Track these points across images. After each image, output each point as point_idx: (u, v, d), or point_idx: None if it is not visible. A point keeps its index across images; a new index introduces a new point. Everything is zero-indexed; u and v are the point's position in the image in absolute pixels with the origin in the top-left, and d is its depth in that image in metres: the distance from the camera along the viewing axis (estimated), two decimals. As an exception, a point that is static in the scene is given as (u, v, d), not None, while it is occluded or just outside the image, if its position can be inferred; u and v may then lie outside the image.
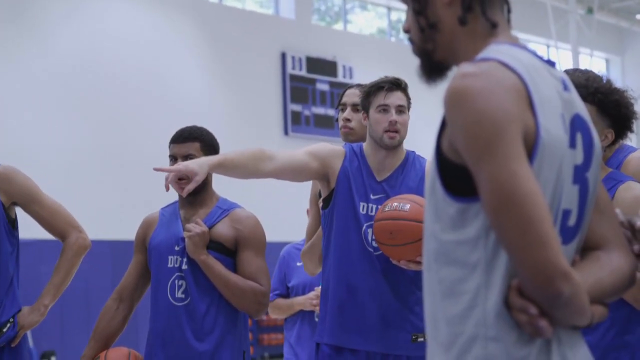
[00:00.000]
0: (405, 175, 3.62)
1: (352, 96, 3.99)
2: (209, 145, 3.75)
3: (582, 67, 3.76)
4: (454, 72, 1.72)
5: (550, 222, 1.57)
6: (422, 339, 3.49)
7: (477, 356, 1.63)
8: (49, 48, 12.78)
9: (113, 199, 12.94)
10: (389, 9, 18.35)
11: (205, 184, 3.74)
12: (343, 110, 4.02)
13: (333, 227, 3.57)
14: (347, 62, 16.40)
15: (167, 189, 3.40)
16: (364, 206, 3.56)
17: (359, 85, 4.05)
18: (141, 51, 13.74)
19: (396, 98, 3.58)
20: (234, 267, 3.70)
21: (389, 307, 3.50)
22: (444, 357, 1.67)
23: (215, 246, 3.68)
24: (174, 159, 3.75)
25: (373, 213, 3.52)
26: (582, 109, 1.80)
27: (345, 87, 4.18)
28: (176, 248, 3.71)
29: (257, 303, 3.67)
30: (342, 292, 3.52)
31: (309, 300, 4.57)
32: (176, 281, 3.69)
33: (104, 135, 13.07)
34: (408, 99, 3.63)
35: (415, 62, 1.85)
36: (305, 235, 4.08)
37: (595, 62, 20.88)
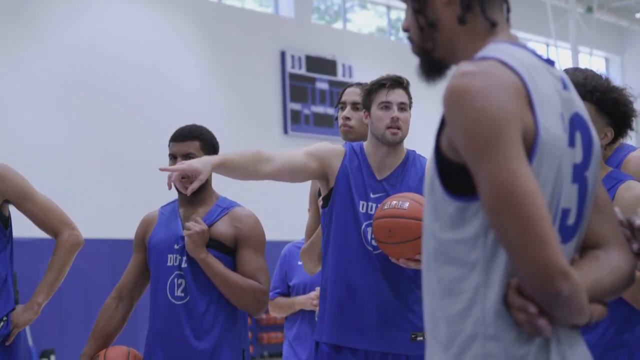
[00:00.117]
0: (406, 174, 3.62)
1: (352, 95, 3.99)
2: (209, 144, 3.75)
3: (581, 66, 3.76)
4: (453, 71, 1.72)
5: (550, 221, 1.57)
6: (421, 338, 3.49)
7: (476, 355, 1.63)
8: (49, 48, 12.78)
9: (113, 198, 12.95)
10: (389, 7, 18.35)
11: (205, 182, 3.74)
12: (343, 108, 4.02)
13: (332, 226, 3.57)
14: (347, 61, 16.40)
15: (170, 187, 3.41)
16: (363, 205, 3.56)
17: (358, 84, 4.05)
18: (141, 51, 13.74)
19: (398, 95, 3.59)
20: (233, 266, 3.70)
21: (388, 306, 3.50)
22: (443, 355, 1.67)
23: (214, 245, 3.68)
24: (173, 157, 3.75)
25: (373, 212, 3.52)
26: (581, 107, 1.80)
27: (345, 85, 4.18)
28: (176, 247, 3.71)
29: (257, 301, 3.67)
30: (341, 291, 3.52)
31: (310, 299, 4.57)
32: (176, 280, 3.69)
33: (104, 135, 13.08)
34: (410, 97, 3.63)
35: (414, 61, 1.85)
36: (304, 234, 4.08)
37: (594, 61, 20.88)
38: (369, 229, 3.51)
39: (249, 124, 14.85)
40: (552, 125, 1.66)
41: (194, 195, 3.73)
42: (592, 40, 19.13)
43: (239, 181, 3.54)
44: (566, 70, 3.09)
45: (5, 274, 3.75)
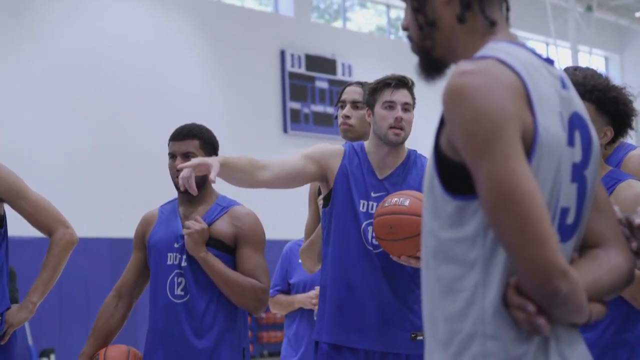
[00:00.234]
0: (407, 173, 3.62)
1: (352, 93, 3.99)
2: (208, 143, 3.75)
3: (581, 65, 3.76)
4: (452, 70, 1.72)
5: (549, 221, 1.57)
6: (421, 338, 3.49)
7: (476, 354, 1.63)
8: (49, 47, 12.78)
9: (113, 197, 12.95)
10: (388, 6, 18.35)
11: (205, 181, 3.74)
12: (342, 107, 4.02)
13: (332, 226, 3.57)
14: (346, 59, 16.40)
15: (183, 188, 3.29)
16: (364, 204, 3.55)
17: (358, 83, 4.05)
18: (141, 50, 13.74)
19: (402, 95, 3.58)
20: (233, 265, 3.71)
21: (388, 306, 3.50)
22: (442, 354, 1.67)
23: (214, 243, 3.68)
24: (173, 156, 3.75)
25: (373, 211, 3.51)
26: (580, 107, 1.80)
27: (345, 84, 4.18)
28: (175, 245, 3.71)
29: (257, 300, 3.67)
30: (341, 291, 3.52)
31: (309, 298, 4.58)
32: (175, 278, 3.69)
33: (104, 135, 13.08)
34: (413, 97, 3.63)
35: (414, 60, 1.85)
36: (304, 233, 4.09)
37: (594, 60, 20.87)
38: (370, 228, 3.50)
39: (248, 123, 14.85)
40: (551, 125, 1.66)
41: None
42: (592, 39, 19.13)
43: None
44: (566, 70, 3.09)
45: (0, 273, 3.74)
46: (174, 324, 3.66)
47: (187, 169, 3.17)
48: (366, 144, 3.67)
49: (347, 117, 3.97)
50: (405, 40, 1.85)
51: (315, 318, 4.32)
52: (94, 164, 12.91)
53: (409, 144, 3.72)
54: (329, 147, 3.65)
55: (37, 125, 12.47)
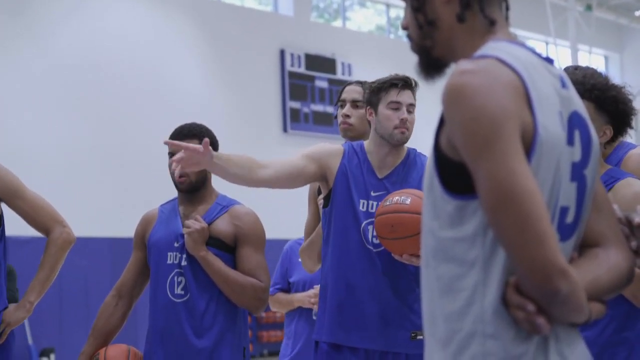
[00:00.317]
0: (407, 172, 3.62)
1: (352, 92, 3.99)
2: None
3: (581, 64, 3.76)
4: (452, 69, 1.72)
5: (548, 220, 1.57)
6: (421, 337, 3.49)
7: (475, 353, 1.63)
8: (49, 47, 12.78)
9: (113, 197, 12.95)
10: (388, 6, 18.35)
11: (205, 180, 3.74)
12: (342, 106, 4.01)
13: (332, 226, 3.57)
14: (346, 59, 16.40)
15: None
16: (364, 203, 3.55)
17: (358, 82, 4.05)
18: (141, 50, 13.74)
19: (408, 97, 3.58)
20: (233, 264, 3.71)
21: (388, 305, 3.50)
22: (442, 353, 1.67)
23: (214, 242, 3.68)
24: (173, 155, 3.74)
25: (373, 210, 3.51)
26: (580, 106, 1.80)
27: (344, 83, 4.18)
28: (175, 244, 3.71)
29: (257, 299, 3.67)
30: (341, 290, 3.52)
31: (308, 298, 4.58)
32: (175, 278, 3.69)
33: (104, 135, 13.08)
34: (415, 99, 3.63)
35: (414, 59, 1.86)
36: (303, 233, 4.08)
37: (594, 59, 20.88)
38: (370, 228, 3.50)
39: (248, 122, 14.85)
40: (550, 124, 1.66)
41: (194, 193, 3.74)
42: (592, 39, 19.12)
43: (239, 180, 3.52)
44: (566, 69, 3.09)
45: None
46: (174, 324, 3.66)
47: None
48: (366, 143, 3.67)
49: (347, 116, 3.97)
50: (405, 40, 1.85)
51: (314, 317, 4.32)
52: (94, 164, 12.91)
53: (409, 144, 3.72)
54: (329, 146, 3.64)
55: (37, 125, 12.47)
